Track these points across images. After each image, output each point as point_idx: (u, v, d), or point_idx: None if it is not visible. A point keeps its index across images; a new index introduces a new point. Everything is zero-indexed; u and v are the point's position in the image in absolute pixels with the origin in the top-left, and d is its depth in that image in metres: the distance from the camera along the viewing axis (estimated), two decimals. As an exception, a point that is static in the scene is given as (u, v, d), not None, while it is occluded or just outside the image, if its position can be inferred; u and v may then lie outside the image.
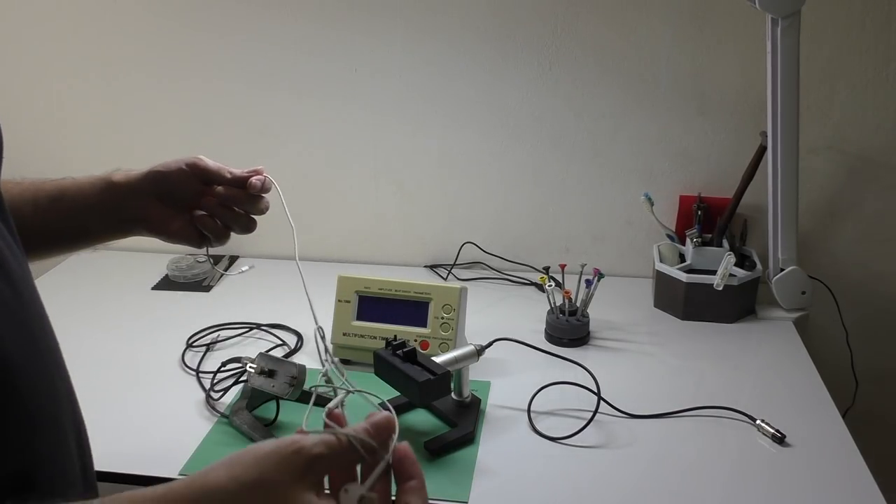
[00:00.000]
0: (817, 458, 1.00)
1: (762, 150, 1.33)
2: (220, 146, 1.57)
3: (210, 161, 0.87)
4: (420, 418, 1.08)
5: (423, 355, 1.01)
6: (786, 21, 1.18)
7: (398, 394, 1.06)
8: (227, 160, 0.87)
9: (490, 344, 1.11)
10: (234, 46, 1.51)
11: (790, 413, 1.08)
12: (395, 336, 1.04)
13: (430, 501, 0.89)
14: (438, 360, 1.02)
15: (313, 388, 0.74)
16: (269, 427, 1.04)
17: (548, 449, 1.02)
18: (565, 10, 1.41)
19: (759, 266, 1.39)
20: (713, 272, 1.34)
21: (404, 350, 1.00)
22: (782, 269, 1.35)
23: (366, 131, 1.55)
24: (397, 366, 0.99)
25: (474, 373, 1.16)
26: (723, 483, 0.95)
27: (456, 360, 1.05)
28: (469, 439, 1.03)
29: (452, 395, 1.09)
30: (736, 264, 1.34)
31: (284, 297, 1.44)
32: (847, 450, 1.01)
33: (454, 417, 1.06)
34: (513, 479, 0.96)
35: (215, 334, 1.32)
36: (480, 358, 1.08)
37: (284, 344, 1.30)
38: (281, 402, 1.06)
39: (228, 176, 0.87)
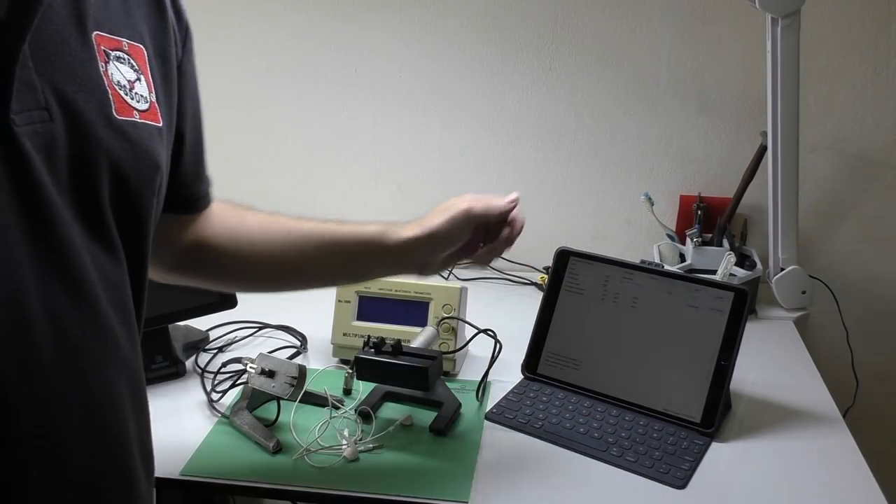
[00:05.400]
0: (817, 458, 0.99)
1: (762, 150, 1.33)
2: (219, 145, 1.56)
3: (479, 205, 0.90)
4: (402, 410, 1.08)
5: (407, 347, 1.03)
6: (786, 20, 1.18)
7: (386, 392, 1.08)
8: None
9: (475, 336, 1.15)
10: (233, 45, 1.51)
11: (790, 413, 1.08)
12: (381, 338, 1.03)
13: (431, 501, 0.90)
14: (415, 344, 1.06)
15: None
16: (270, 427, 1.04)
17: (548, 449, 1.02)
18: (565, 9, 1.41)
19: (759, 266, 1.39)
20: (713, 272, 1.34)
21: (391, 345, 1.01)
22: (782, 269, 1.35)
23: (366, 131, 1.55)
24: (391, 361, 1.00)
25: (475, 373, 1.15)
26: (723, 482, 0.95)
27: (428, 343, 1.09)
28: (459, 406, 1.06)
29: None
30: (736, 264, 1.34)
31: (287, 299, 1.43)
32: (847, 450, 1.01)
33: (433, 398, 1.07)
34: (513, 479, 0.96)
35: (231, 335, 1.32)
36: (479, 356, 1.08)
37: (290, 345, 1.30)
38: (281, 402, 1.06)
39: (498, 214, 0.92)
